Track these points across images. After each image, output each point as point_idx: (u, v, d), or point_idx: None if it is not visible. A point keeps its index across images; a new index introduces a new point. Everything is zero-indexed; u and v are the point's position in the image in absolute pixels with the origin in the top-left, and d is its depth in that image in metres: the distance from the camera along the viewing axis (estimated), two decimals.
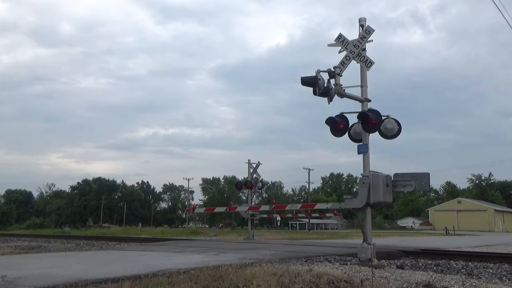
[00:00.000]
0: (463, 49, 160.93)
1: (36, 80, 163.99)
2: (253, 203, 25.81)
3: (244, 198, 26.41)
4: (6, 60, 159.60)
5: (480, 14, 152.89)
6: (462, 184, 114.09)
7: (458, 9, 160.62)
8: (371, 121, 8.32)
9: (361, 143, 8.67)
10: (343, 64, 8.54)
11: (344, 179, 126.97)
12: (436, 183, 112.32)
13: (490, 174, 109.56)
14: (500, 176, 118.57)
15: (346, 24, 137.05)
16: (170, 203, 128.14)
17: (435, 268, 8.58)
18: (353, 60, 8.59)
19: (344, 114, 8.84)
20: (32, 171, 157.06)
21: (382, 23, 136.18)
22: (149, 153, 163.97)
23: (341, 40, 8.76)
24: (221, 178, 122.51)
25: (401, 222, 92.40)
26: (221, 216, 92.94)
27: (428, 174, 8.49)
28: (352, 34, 8.83)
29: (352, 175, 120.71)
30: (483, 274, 7.63)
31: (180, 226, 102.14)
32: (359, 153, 8.62)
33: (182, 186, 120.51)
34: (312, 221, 74.96)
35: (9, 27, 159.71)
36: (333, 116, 8.74)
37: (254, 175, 21.42)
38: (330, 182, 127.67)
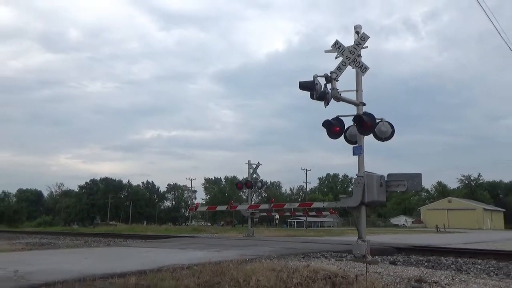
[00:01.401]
0: (454, 55, 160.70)
1: (44, 84, 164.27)
2: (253, 202, 25.79)
3: (245, 197, 26.38)
4: (16, 65, 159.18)
5: (470, 20, 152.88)
6: (453, 184, 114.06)
7: (448, 16, 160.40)
8: (366, 124, 8.33)
9: (356, 145, 8.68)
10: (339, 69, 8.56)
11: (340, 179, 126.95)
12: (428, 183, 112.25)
13: (479, 175, 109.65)
14: (488, 176, 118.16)
15: (342, 30, 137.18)
16: (174, 202, 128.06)
17: (426, 264, 8.58)
18: (349, 66, 8.61)
19: (340, 117, 8.85)
20: (42, 171, 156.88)
21: (377, 30, 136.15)
22: (153, 154, 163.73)
23: (337, 46, 8.78)
24: (222, 178, 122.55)
25: (394, 220, 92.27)
26: (223, 215, 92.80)
27: (420, 174, 8.50)
28: (347, 40, 8.85)
29: (347, 176, 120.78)
30: (471, 270, 7.63)
31: (183, 224, 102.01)
32: (354, 154, 8.63)
33: (185, 186, 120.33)
34: (309, 219, 74.85)
35: (18, 33, 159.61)
36: (330, 119, 8.75)
37: (254, 175, 21.41)
38: (327, 182, 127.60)
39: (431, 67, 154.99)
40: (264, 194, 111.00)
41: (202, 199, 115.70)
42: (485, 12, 10.95)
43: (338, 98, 8.38)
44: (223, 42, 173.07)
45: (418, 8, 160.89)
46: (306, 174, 77.95)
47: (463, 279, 5.95)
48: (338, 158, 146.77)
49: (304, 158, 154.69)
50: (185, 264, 6.90)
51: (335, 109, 8.74)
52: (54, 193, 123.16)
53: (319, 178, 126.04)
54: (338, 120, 8.81)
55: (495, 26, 11.68)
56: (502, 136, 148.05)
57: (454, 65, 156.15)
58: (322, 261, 8.10)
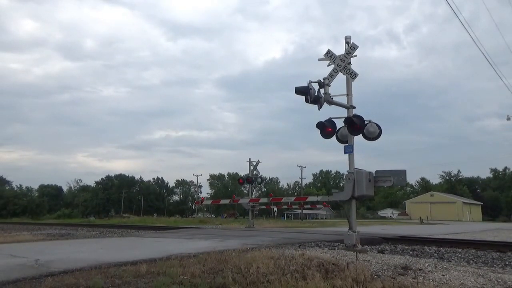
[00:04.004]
0: (433, 62, 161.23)
1: (64, 89, 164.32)
2: (253, 196, 25.75)
3: (246, 191, 26.36)
4: (38, 72, 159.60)
5: (447, 32, 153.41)
6: (434, 179, 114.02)
7: (427, 28, 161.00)
8: (356, 125, 8.31)
9: (347, 144, 8.67)
10: (331, 76, 8.54)
11: (332, 175, 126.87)
12: (412, 179, 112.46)
13: (459, 171, 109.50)
14: (467, 173, 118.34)
15: (332, 40, 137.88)
16: (181, 196, 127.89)
17: (411, 252, 8.56)
18: (340, 72, 8.58)
19: (332, 119, 8.83)
20: (61, 168, 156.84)
21: (363, 40, 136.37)
22: (163, 152, 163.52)
23: (329, 55, 8.75)
24: (225, 175, 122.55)
25: (382, 213, 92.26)
26: (226, 207, 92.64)
27: (405, 171, 8.48)
28: (337, 49, 8.82)
29: (339, 172, 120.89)
30: (453, 258, 7.61)
31: (190, 216, 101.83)
32: (345, 153, 8.61)
33: (192, 181, 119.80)
34: (304, 211, 74.85)
35: (40, 43, 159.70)
36: (323, 120, 8.73)
37: (254, 172, 21.40)
38: (320, 178, 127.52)
39: (412, 74, 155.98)
40: (263, 189, 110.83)
41: (207, 194, 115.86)
42: (462, 23, 10.91)
43: (331, 102, 8.37)
44: (225, 51, 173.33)
45: (401, 21, 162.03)
46: (302, 170, 77.77)
47: (445, 266, 5.94)
48: (330, 156, 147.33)
49: (299, 156, 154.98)
50: (191, 253, 6.89)
51: (327, 111, 8.72)
52: (73, 188, 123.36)
53: (313, 174, 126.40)
54: (330, 122, 8.79)
55: (471, 36, 11.64)
56: (477, 136, 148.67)
57: (432, 72, 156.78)
58: (316, 250, 8.08)
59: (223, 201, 23.83)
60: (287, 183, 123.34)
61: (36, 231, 18.47)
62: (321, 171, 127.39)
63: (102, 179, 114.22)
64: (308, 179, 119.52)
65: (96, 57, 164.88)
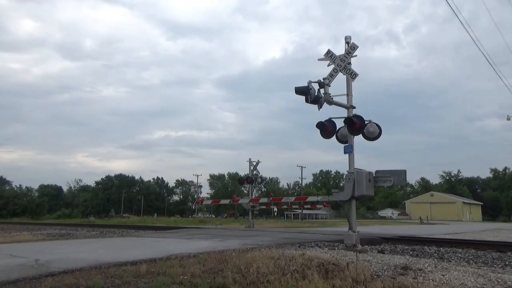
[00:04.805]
0: (432, 62, 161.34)
1: (64, 89, 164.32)
2: (253, 196, 25.70)
3: (246, 191, 26.32)
4: (37, 72, 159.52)
5: (447, 32, 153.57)
6: (434, 179, 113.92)
7: (427, 28, 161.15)
8: (356, 125, 8.30)
9: (347, 144, 8.65)
10: (331, 76, 8.54)
11: (332, 175, 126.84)
12: (412, 179, 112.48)
13: (459, 171, 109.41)
14: (467, 173, 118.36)
15: (332, 40, 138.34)
16: (181, 196, 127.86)
17: (411, 252, 8.56)
18: (340, 72, 8.58)
19: (332, 119, 8.81)
20: (61, 168, 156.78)
21: (362, 40, 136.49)
22: (163, 152, 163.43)
23: (329, 55, 8.75)
24: (225, 175, 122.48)
25: (382, 213, 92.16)
26: (226, 207, 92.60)
27: (405, 171, 8.46)
28: (337, 49, 8.82)
29: (339, 172, 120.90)
30: (453, 258, 7.61)
31: (190, 216, 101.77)
32: (345, 153, 8.60)
33: (192, 181, 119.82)
34: (304, 211, 74.83)
35: (39, 43, 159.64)
36: (323, 120, 8.72)
37: (254, 172, 21.38)
38: (320, 178, 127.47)
39: (412, 73, 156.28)
40: (263, 189, 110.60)
41: (207, 194, 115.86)
42: (462, 23, 10.91)
43: (331, 102, 8.36)
44: (225, 51, 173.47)
45: (400, 20, 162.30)
46: (302, 170, 77.71)
47: (445, 266, 5.94)
48: (330, 156, 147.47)
49: (299, 156, 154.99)
50: (191, 253, 6.88)
51: (327, 111, 8.70)
52: (73, 188, 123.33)
53: (313, 174, 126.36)
54: (330, 122, 8.78)
55: (471, 36, 11.63)
56: (477, 136, 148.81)
57: (432, 72, 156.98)
58: (316, 250, 8.08)
59: (223, 201, 23.76)
60: (287, 183, 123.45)
61: (36, 231, 18.46)
62: (321, 171, 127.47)
63: (102, 179, 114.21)
64: (308, 179, 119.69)
65: (96, 57, 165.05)
